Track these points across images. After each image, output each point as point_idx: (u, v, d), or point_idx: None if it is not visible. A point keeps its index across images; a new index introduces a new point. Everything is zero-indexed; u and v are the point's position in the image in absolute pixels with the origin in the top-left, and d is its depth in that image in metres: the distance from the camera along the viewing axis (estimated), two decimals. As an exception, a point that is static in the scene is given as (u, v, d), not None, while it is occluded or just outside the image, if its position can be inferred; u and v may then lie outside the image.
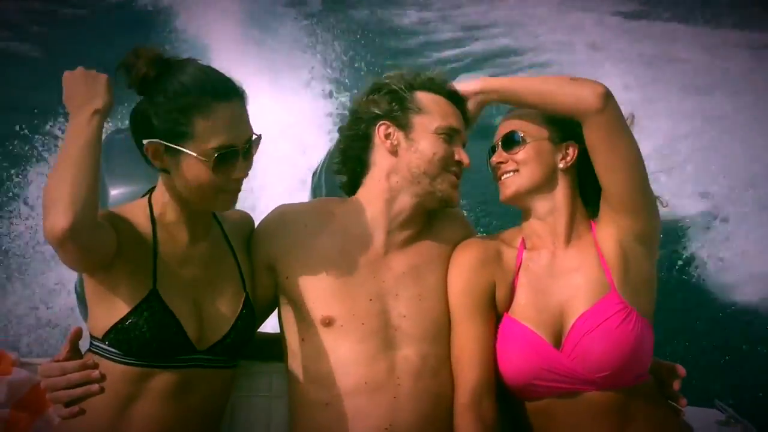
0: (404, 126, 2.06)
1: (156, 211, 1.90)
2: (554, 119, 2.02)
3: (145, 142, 1.82)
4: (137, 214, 1.90)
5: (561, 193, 2.03)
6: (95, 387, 1.83)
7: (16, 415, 1.93)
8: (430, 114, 2.06)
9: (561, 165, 2.02)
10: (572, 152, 2.03)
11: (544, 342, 1.91)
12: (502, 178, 2.05)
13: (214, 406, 1.99)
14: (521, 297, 1.99)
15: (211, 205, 1.92)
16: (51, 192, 1.66)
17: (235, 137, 1.83)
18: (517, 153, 2.02)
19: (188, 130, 1.80)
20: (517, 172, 2.02)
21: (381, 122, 2.08)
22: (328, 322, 1.97)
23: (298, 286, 2.00)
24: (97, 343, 1.85)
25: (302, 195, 2.62)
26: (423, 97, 2.08)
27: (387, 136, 2.07)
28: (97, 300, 1.83)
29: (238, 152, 1.83)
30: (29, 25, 10.98)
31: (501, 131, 2.08)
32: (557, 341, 1.92)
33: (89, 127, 1.74)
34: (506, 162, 2.04)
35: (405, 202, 2.06)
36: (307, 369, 1.99)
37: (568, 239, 2.02)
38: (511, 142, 2.04)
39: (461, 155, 2.06)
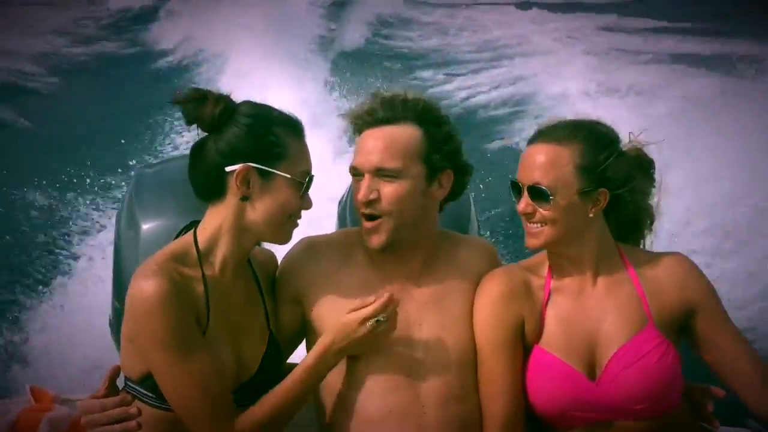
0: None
1: (202, 247, 1.89)
2: (585, 167, 1.91)
3: (234, 167, 1.83)
4: (186, 259, 1.86)
5: (589, 235, 1.96)
6: (133, 424, 1.85)
7: None
8: None
9: (591, 214, 1.93)
10: (603, 199, 1.93)
11: (578, 374, 1.90)
12: (529, 226, 1.94)
13: None
14: (551, 328, 1.96)
15: (278, 235, 1.91)
16: (255, 422, 1.81)
17: (310, 166, 1.91)
18: (545, 209, 1.90)
19: (283, 151, 1.86)
20: (545, 225, 1.91)
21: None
22: (353, 355, 1.97)
23: (323, 317, 2.00)
24: (134, 385, 1.87)
25: (328, 223, 2.61)
26: None
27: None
28: (127, 346, 1.84)
29: (312, 181, 1.90)
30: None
31: (527, 172, 1.92)
32: (590, 372, 1.91)
33: (326, 371, 1.89)
34: (533, 214, 1.91)
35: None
36: (333, 398, 2.00)
37: (597, 271, 1.98)
38: (538, 195, 1.90)
39: None
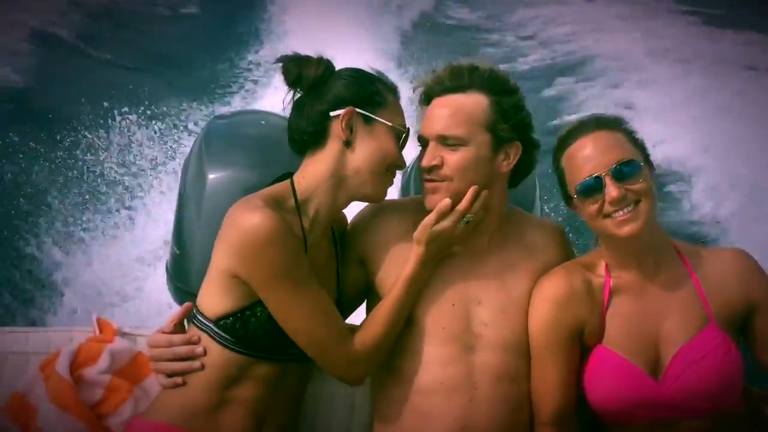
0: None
1: (300, 197, 1.92)
2: (636, 141, 1.93)
3: (338, 111, 1.89)
4: (283, 205, 1.89)
5: (655, 216, 1.94)
6: (197, 364, 1.89)
7: (116, 382, 2.00)
8: None
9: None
10: (652, 175, 1.94)
11: (642, 373, 1.89)
12: (622, 212, 1.85)
13: (301, 390, 2.06)
14: (613, 327, 1.94)
15: (375, 186, 1.95)
16: (372, 339, 1.90)
17: (405, 122, 1.96)
18: (637, 182, 1.85)
19: (382, 100, 1.92)
20: (639, 203, 1.85)
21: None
22: (410, 323, 1.99)
23: (384, 283, 2.02)
24: (207, 323, 1.90)
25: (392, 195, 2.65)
26: None
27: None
28: (222, 282, 1.86)
29: (408, 136, 1.95)
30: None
31: (601, 157, 1.87)
32: (653, 370, 1.90)
33: (425, 280, 1.95)
34: (626, 195, 1.84)
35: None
36: (388, 364, 2.02)
37: (657, 268, 1.95)
38: (629, 173, 1.84)
39: None
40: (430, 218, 1.93)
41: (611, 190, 1.84)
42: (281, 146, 2.26)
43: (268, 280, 1.80)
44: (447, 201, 1.93)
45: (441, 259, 2.00)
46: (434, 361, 1.97)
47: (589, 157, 1.88)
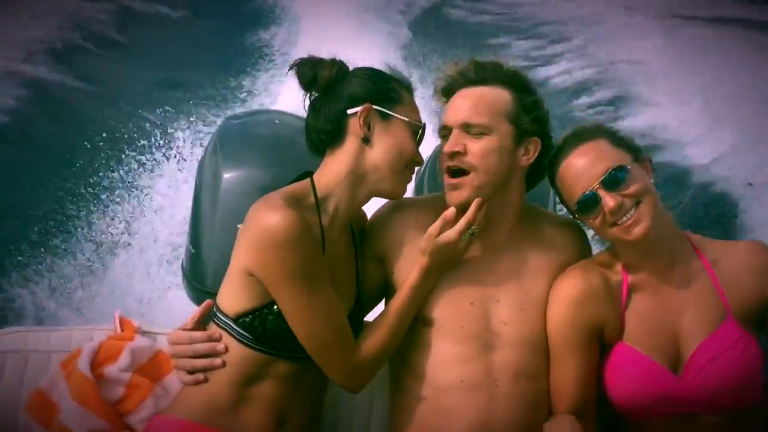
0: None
1: (320, 194, 1.93)
2: (620, 141, 1.94)
3: (355, 109, 1.91)
4: (303, 203, 1.89)
5: (662, 209, 1.94)
6: (218, 361, 1.91)
7: (137, 379, 2.01)
8: None
9: (652, 180, 1.92)
10: (649, 167, 1.95)
11: (663, 369, 1.89)
12: (626, 218, 1.85)
13: (322, 388, 2.06)
14: (632, 324, 1.94)
15: (395, 182, 1.96)
16: (373, 348, 1.90)
17: (421, 118, 1.98)
18: (631, 186, 1.85)
19: (398, 96, 1.94)
20: (640, 204, 1.85)
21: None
22: (428, 323, 2.00)
23: (400, 280, 2.02)
24: (227, 320, 1.91)
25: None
26: None
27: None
28: (241, 279, 1.87)
29: (425, 132, 1.96)
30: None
31: (587, 173, 1.88)
32: (674, 366, 1.90)
33: (428, 290, 1.96)
34: (623, 202, 1.85)
35: None
36: (407, 363, 2.03)
37: (673, 264, 1.95)
38: (619, 180, 1.85)
39: None
40: (434, 227, 1.93)
41: (608, 201, 1.85)
42: (295, 145, 2.28)
43: (280, 279, 1.81)
44: (452, 210, 1.94)
45: (458, 261, 2.00)
46: (453, 360, 1.98)
47: (577, 175, 1.90)
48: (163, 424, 1.94)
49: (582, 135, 1.96)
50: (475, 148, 1.95)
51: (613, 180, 1.86)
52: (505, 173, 1.99)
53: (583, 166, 1.89)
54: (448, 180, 1.99)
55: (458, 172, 1.97)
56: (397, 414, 2.06)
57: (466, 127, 1.96)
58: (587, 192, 1.88)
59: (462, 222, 1.93)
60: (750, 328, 1.91)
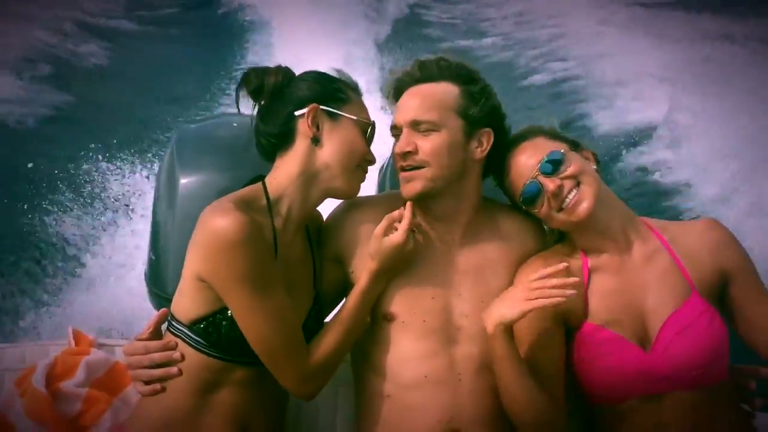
0: None
1: (272, 196, 1.91)
2: (558, 136, 1.99)
3: (302, 110, 1.91)
4: (255, 206, 1.88)
5: (607, 193, 1.97)
6: (174, 369, 1.87)
7: (94, 394, 1.98)
8: None
9: (594, 166, 1.98)
10: (590, 156, 2.00)
11: (632, 345, 1.90)
12: (568, 199, 1.91)
13: (284, 395, 2.03)
14: (596, 305, 1.95)
15: (347, 182, 1.95)
16: (325, 355, 1.88)
17: (370, 118, 1.99)
18: (568, 168, 1.92)
19: (345, 96, 1.95)
20: (580, 184, 1.91)
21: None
22: (390, 318, 1.99)
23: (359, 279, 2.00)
24: (181, 328, 1.89)
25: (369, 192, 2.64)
26: None
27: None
28: (193, 285, 1.85)
29: (374, 130, 1.97)
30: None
31: (526, 165, 1.95)
32: (642, 343, 1.91)
33: (378, 287, 1.94)
34: (562, 184, 1.91)
35: None
36: (370, 361, 2.02)
37: (629, 243, 1.97)
38: (555, 163, 1.92)
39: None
40: (380, 228, 1.92)
41: (548, 185, 1.91)
42: (253, 148, 2.24)
43: (230, 283, 1.79)
44: (397, 212, 1.94)
45: (418, 253, 2.00)
46: (416, 355, 1.97)
47: (519, 171, 1.97)
48: (121, 437, 1.90)
49: (520, 136, 2.03)
50: (426, 146, 1.95)
51: (550, 164, 1.93)
52: (458, 167, 1.99)
53: (523, 162, 1.97)
54: (401, 174, 1.99)
55: (411, 168, 1.97)
56: (362, 413, 2.05)
57: (415, 125, 1.96)
58: (528, 182, 1.94)
59: (405, 223, 1.93)
60: (713, 304, 1.94)
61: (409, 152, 1.95)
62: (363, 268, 1.98)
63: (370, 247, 1.94)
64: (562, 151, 1.94)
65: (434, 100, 1.98)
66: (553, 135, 2.00)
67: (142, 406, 1.93)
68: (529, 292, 1.83)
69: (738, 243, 2.00)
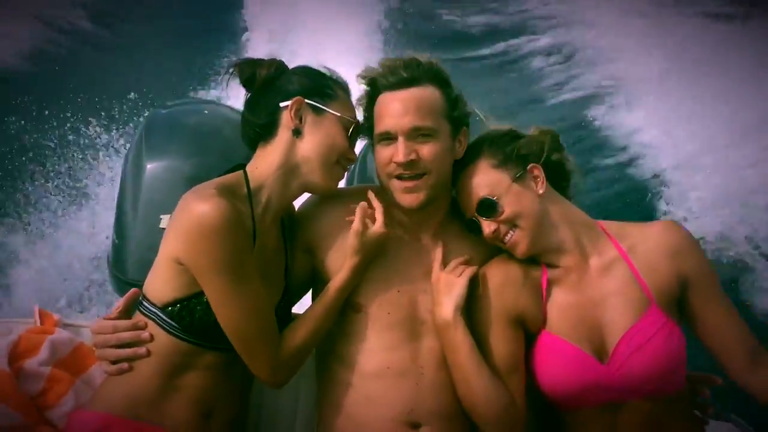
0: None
1: (252, 185, 1.93)
2: (504, 155, 1.99)
3: (287, 102, 1.93)
4: (236, 193, 1.89)
5: (556, 212, 1.99)
6: (143, 350, 1.88)
7: (57, 373, 1.98)
8: None
9: (540, 191, 1.98)
10: (539, 173, 1.99)
11: (588, 357, 1.91)
12: (505, 241, 1.97)
13: (250, 381, 2.06)
14: (555, 315, 1.96)
15: (325, 176, 1.96)
16: (298, 345, 1.91)
17: (356, 117, 2.00)
18: (501, 214, 1.95)
19: (332, 92, 1.96)
20: (515, 228, 1.95)
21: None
22: (357, 309, 2.02)
23: (330, 271, 2.03)
24: (154, 309, 1.89)
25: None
26: None
27: None
28: (169, 268, 1.85)
29: (358, 134, 1.99)
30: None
31: (468, 200, 1.99)
32: (599, 355, 1.92)
33: (356, 281, 1.96)
34: (498, 228, 1.96)
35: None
36: (334, 350, 2.05)
37: (585, 256, 1.99)
38: (488, 209, 1.96)
39: None
40: (358, 224, 1.95)
41: (484, 228, 1.98)
42: (221, 135, 2.28)
43: (208, 268, 1.80)
44: (364, 204, 1.98)
45: (387, 248, 2.03)
46: (380, 347, 2.00)
47: (463, 199, 2.03)
48: (84, 418, 1.89)
49: (469, 155, 2.03)
50: (426, 152, 1.95)
51: (484, 210, 1.97)
52: (450, 170, 2.03)
53: (466, 191, 2.00)
54: (401, 184, 1.97)
55: (411, 177, 1.97)
56: (324, 402, 2.08)
57: (415, 132, 1.95)
58: (468, 219, 2.01)
59: (380, 213, 1.97)
60: (671, 313, 1.95)
61: (413, 161, 1.94)
62: (335, 260, 2.01)
63: (348, 244, 1.96)
64: (495, 199, 1.95)
65: (427, 106, 1.96)
66: (498, 159, 1.99)
67: (105, 387, 1.93)
68: (453, 269, 1.94)
69: (697, 246, 2.01)
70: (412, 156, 1.94)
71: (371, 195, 2.00)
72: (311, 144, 1.94)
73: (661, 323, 1.91)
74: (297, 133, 1.94)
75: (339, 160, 1.98)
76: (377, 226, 1.96)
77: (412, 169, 1.95)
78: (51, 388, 1.98)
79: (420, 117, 1.95)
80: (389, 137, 1.97)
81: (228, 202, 1.79)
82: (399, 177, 1.97)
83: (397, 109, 1.96)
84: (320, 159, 1.94)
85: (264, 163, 1.95)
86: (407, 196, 1.97)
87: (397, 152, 1.93)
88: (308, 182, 1.97)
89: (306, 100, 1.94)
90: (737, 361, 1.94)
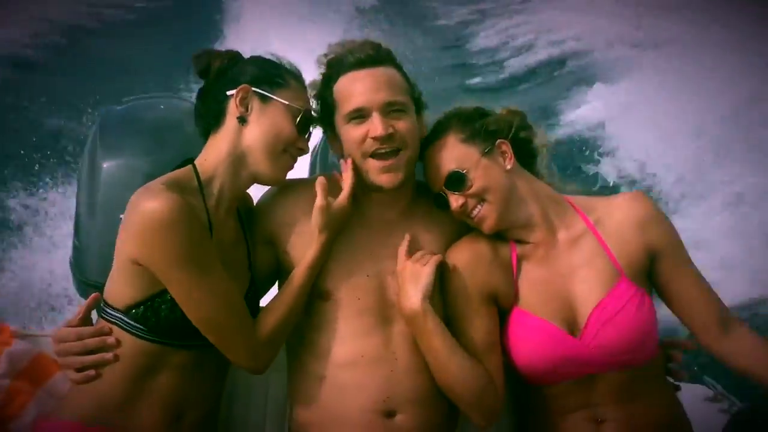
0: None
1: (202, 177, 1.90)
2: (473, 131, 1.99)
3: (234, 90, 1.91)
4: (186, 187, 1.86)
5: (523, 187, 2.00)
6: (109, 355, 1.84)
7: (16, 385, 1.93)
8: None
9: (508, 166, 1.99)
10: (507, 148, 2.00)
11: (561, 332, 1.91)
12: (473, 215, 1.97)
13: (221, 379, 2.03)
14: (526, 291, 1.97)
15: (272, 166, 1.94)
16: (274, 326, 1.89)
17: (309, 106, 1.98)
18: (470, 188, 1.95)
19: (282, 81, 1.94)
20: (483, 202, 1.96)
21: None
22: (325, 297, 1.99)
23: (295, 262, 2.00)
24: (117, 314, 1.85)
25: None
26: None
27: None
28: (128, 270, 1.81)
29: (310, 124, 1.97)
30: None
31: (436, 174, 1.99)
32: (571, 329, 1.93)
33: (323, 257, 1.94)
34: (465, 202, 1.96)
35: None
36: (305, 341, 2.02)
37: (553, 230, 2.00)
38: (457, 183, 1.96)
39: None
40: (321, 200, 1.93)
41: (452, 202, 1.98)
42: (179, 130, 2.22)
43: (169, 265, 1.76)
44: (323, 179, 1.96)
45: (353, 232, 2.02)
46: (351, 334, 1.97)
47: (431, 173, 2.03)
48: (49, 428, 1.84)
49: (437, 130, 2.04)
50: (401, 127, 1.95)
51: (453, 183, 1.96)
52: (419, 148, 2.03)
53: (434, 166, 2.00)
54: (378, 163, 1.96)
55: (389, 153, 1.95)
56: (296, 394, 2.04)
57: (389, 107, 1.95)
58: (435, 193, 2.00)
59: (348, 187, 1.97)
60: (641, 283, 1.96)
61: (390, 134, 1.93)
62: (297, 249, 1.99)
63: (314, 222, 1.94)
64: (464, 171, 1.95)
65: (397, 83, 1.99)
66: (466, 134, 2.00)
67: (72, 395, 1.88)
68: (420, 258, 1.94)
69: (663, 216, 2.02)
70: (391, 130, 1.93)
71: (346, 165, 1.99)
72: (256, 132, 1.92)
73: (630, 294, 1.92)
74: (242, 120, 1.91)
75: (287, 148, 1.95)
76: (341, 199, 1.96)
77: (389, 143, 1.94)
78: (12, 400, 1.93)
79: (393, 92, 1.96)
80: (361, 115, 1.95)
81: (178, 196, 1.76)
82: (375, 155, 1.95)
83: (368, 85, 1.96)
84: (266, 148, 1.92)
85: (213, 154, 1.93)
86: (385, 176, 1.96)
87: (375, 126, 1.93)
88: (255, 172, 1.95)
89: (253, 88, 1.92)
90: (708, 329, 1.96)
